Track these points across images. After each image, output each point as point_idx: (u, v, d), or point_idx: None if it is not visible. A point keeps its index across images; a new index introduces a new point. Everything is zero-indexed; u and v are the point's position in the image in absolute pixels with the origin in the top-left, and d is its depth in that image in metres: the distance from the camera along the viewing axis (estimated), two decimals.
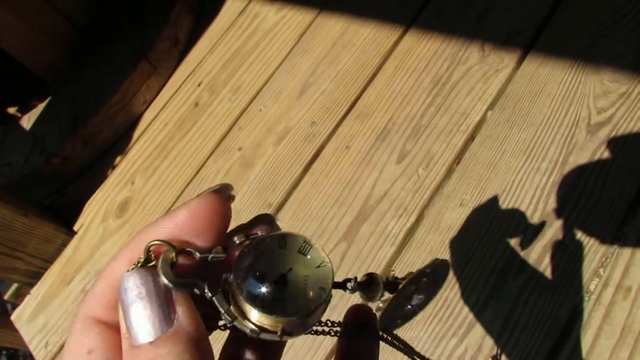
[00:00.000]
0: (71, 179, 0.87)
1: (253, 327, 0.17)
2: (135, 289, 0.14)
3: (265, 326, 0.17)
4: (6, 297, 0.80)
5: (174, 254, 0.16)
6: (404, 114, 0.70)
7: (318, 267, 0.19)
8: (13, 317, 0.77)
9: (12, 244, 0.72)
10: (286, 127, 0.76)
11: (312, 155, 0.73)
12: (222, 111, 0.82)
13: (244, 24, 0.89)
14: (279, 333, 0.17)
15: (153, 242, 0.15)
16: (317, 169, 0.72)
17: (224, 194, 0.17)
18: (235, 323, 0.17)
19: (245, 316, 0.17)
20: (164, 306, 0.14)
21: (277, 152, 0.75)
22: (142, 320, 0.14)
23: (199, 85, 0.86)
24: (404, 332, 0.58)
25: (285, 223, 0.69)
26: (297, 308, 0.17)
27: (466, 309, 0.57)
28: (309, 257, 0.19)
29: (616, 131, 0.61)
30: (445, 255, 0.60)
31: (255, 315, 0.17)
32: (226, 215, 0.17)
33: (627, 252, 0.55)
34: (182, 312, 0.14)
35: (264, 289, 0.17)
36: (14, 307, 0.78)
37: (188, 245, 0.16)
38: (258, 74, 0.83)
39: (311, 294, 0.18)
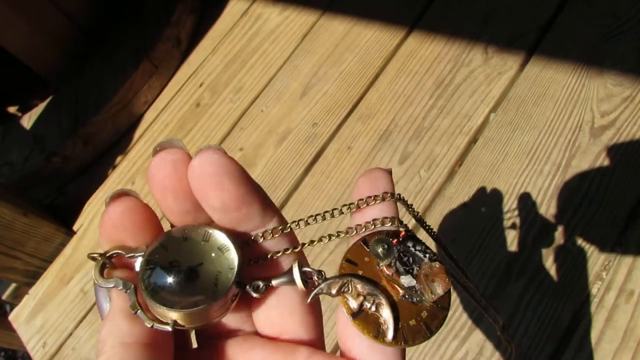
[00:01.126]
0: (71, 178, 0.86)
1: (150, 318, 0.17)
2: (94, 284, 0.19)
3: (161, 318, 0.17)
4: (4, 297, 0.79)
5: (101, 260, 0.19)
6: (406, 116, 0.70)
7: (231, 268, 0.18)
8: (11, 317, 0.76)
9: (11, 244, 0.71)
10: (287, 128, 0.76)
11: (313, 156, 0.73)
12: (223, 112, 0.82)
13: (246, 25, 0.89)
14: (171, 325, 0.17)
15: (91, 254, 0.19)
16: (318, 170, 0.71)
17: (130, 195, 0.19)
18: (138, 313, 0.17)
19: (147, 307, 0.18)
20: (105, 295, 0.19)
21: (278, 153, 0.75)
22: (99, 305, 0.19)
23: (201, 85, 0.86)
24: None
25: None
26: (197, 303, 0.17)
27: (467, 312, 0.57)
28: (225, 255, 0.19)
29: (619, 135, 0.61)
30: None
31: (154, 307, 0.17)
32: (144, 214, 0.19)
33: (629, 256, 0.54)
34: (114, 296, 0.18)
35: (169, 280, 0.18)
36: (12, 307, 0.78)
37: (123, 247, 0.19)
38: (260, 74, 0.83)
39: (216, 291, 0.18)
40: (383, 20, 0.79)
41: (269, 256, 0.19)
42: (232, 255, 0.19)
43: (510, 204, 0.61)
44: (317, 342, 0.20)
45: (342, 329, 0.20)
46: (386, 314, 0.19)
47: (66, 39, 0.89)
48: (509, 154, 0.63)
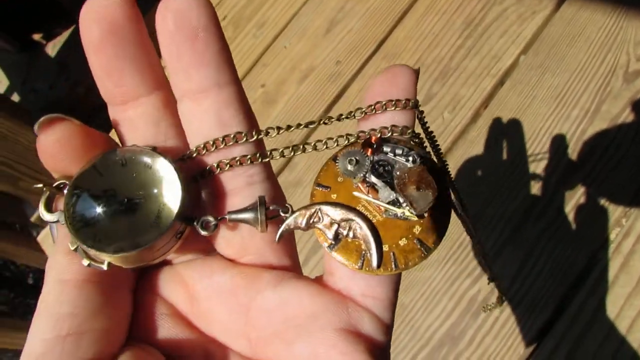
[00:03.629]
0: (96, 110, 0.87)
1: (87, 256, 0.15)
2: None
3: (94, 256, 0.15)
4: (32, 219, 0.83)
5: (47, 191, 0.16)
6: (432, 56, 0.68)
7: (175, 201, 0.16)
8: (39, 239, 0.79)
9: (38, 167, 0.74)
10: (311, 65, 0.75)
11: (335, 95, 0.72)
12: (246, 46, 0.80)
13: None
14: (105, 265, 0.15)
15: (36, 185, 0.17)
16: (339, 109, 0.71)
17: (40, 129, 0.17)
18: (78, 250, 0.16)
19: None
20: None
21: (300, 91, 0.74)
22: (52, 236, 0.18)
23: (224, 19, 0.84)
24: (419, 272, 0.58)
25: (303, 164, 0.69)
26: (135, 245, 0.15)
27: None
28: (169, 185, 0.16)
29: None
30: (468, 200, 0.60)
31: (83, 244, 0.15)
32: (85, 138, 0.17)
33: None
34: (59, 230, 0.17)
35: (97, 211, 0.15)
36: (39, 230, 0.81)
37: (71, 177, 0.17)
38: (284, 9, 0.81)
39: (158, 228, 0.15)
40: None
41: (213, 168, 0.17)
42: (177, 186, 0.16)
43: (534, 148, 0.60)
44: (290, 268, 0.18)
45: (327, 259, 0.17)
46: (365, 238, 0.16)
47: None
48: (536, 97, 0.62)
